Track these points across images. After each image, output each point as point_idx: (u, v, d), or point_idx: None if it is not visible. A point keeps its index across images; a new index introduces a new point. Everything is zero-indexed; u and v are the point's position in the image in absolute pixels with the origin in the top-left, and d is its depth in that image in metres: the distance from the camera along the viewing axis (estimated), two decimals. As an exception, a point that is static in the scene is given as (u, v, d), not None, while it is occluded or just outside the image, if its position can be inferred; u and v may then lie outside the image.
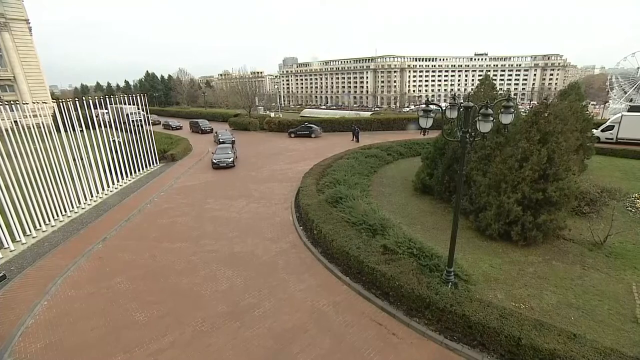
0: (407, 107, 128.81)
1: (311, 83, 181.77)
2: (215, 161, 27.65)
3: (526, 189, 13.57)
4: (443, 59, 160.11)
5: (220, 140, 37.31)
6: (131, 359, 8.72)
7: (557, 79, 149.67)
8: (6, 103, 17.50)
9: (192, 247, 14.64)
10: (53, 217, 17.39)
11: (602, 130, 33.18)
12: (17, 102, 19.11)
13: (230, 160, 27.78)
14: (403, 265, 10.59)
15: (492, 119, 8.36)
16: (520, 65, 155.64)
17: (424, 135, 9.28)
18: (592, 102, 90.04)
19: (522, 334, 7.94)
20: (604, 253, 13.03)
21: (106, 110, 24.39)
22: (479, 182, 15.58)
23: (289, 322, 9.84)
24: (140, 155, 26.53)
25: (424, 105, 9.18)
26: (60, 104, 19.97)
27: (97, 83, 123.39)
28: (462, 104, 9.15)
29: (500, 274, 11.85)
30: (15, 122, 16.62)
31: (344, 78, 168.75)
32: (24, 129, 16.51)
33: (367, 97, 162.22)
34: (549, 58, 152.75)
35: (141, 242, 15.16)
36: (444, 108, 9.64)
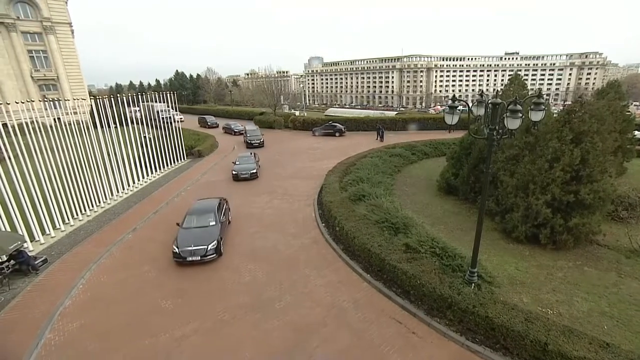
0: (433, 107, 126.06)
1: (336, 82, 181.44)
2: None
3: (556, 191, 12.98)
4: (471, 59, 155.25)
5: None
6: (157, 344, 9.11)
7: (595, 78, 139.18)
8: (51, 100, 18.65)
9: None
10: (88, 208, 18.33)
11: None
12: (59, 99, 20.11)
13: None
14: (425, 265, 10.42)
15: (520, 115, 8.06)
16: (554, 64, 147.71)
17: (450, 132, 9.05)
18: (634, 103, 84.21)
19: (549, 339, 7.63)
20: (644, 261, 12.27)
21: (138, 108, 25.33)
22: (506, 183, 15.06)
23: (308, 316, 9.94)
24: (168, 150, 27.43)
25: (450, 102, 8.99)
26: (97, 100, 20.98)
27: (130, 82, 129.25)
28: (489, 101, 8.90)
29: (526, 277, 11.42)
30: (58, 118, 17.62)
31: (369, 78, 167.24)
32: (65, 125, 17.49)
33: (392, 97, 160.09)
34: (586, 56, 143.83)
35: (168, 234, 15.64)
36: (470, 105, 9.41)
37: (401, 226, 13.08)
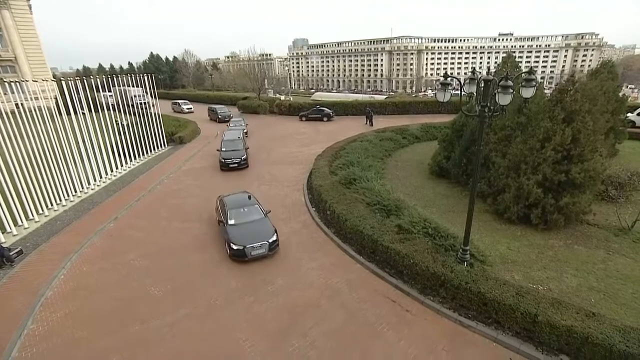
0: (424, 91, 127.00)
1: (322, 66, 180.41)
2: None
3: (547, 170, 13.60)
4: (464, 40, 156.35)
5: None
6: (148, 329, 9.35)
7: (590, 60, 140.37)
8: (9, 82, 17.74)
9: (204, 226, 15.24)
10: (64, 197, 18.14)
11: (639, 114, 32.20)
12: (18, 81, 18.94)
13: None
14: (418, 244, 10.90)
15: (512, 91, 8.47)
16: (549, 45, 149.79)
17: (442, 104, 9.38)
18: (630, 86, 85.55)
19: (539, 311, 8.21)
20: (631, 239, 13.01)
21: (110, 93, 24.72)
22: (498, 164, 15.65)
23: (302, 297, 10.34)
24: (147, 138, 27.12)
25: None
26: (62, 83, 20.08)
27: (100, 65, 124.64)
28: (481, 78, 9.27)
29: (518, 256, 12.06)
30: (22, 104, 17.05)
31: (357, 60, 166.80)
32: (29, 111, 16.92)
33: (381, 81, 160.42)
34: (582, 37, 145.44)
35: (152, 222, 15.80)
36: (463, 83, 9.76)
37: (393, 208, 13.53)
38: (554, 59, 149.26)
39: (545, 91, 25.89)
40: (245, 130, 32.42)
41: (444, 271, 9.73)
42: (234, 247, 12.15)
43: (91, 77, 23.22)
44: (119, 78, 25.74)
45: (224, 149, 24.03)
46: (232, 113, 45.11)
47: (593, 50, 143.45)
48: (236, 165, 22.89)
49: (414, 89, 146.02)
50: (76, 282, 11.68)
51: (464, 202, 16.30)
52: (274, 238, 12.61)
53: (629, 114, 26.84)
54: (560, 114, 13.77)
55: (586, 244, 12.86)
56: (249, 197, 15.02)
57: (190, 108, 51.57)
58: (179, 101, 53.77)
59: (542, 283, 10.58)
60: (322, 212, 15.57)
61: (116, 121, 24.91)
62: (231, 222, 13.27)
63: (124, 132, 24.80)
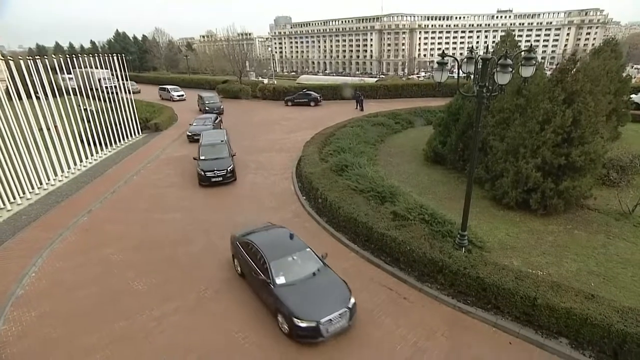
0: (417, 73, 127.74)
1: (307, 46, 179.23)
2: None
3: (547, 154, 14.13)
4: (460, 18, 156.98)
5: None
6: (133, 325, 9.54)
7: (594, 38, 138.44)
8: None
9: (187, 218, 15.38)
10: (28, 190, 17.87)
11: None
12: None
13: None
14: (414, 231, 11.32)
15: (511, 70, 8.81)
16: (550, 23, 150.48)
17: (439, 86, 9.69)
18: (635, 66, 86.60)
19: (538, 294, 8.72)
20: (632, 223, 13.70)
21: (71, 75, 24.03)
22: (495, 148, 16.16)
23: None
24: (119, 125, 26.74)
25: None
26: (9, 62, 18.41)
27: (57, 43, 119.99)
28: (479, 57, 9.59)
29: (517, 242, 12.61)
30: None
31: (344, 41, 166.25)
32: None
33: (371, 63, 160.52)
34: (586, 14, 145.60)
35: (130, 214, 15.82)
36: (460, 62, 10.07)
37: (387, 195, 13.92)
38: (556, 37, 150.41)
39: (546, 72, 26.46)
40: (219, 119, 31.32)
41: (441, 257, 10.17)
42: (302, 324, 8.60)
43: (46, 57, 22.38)
44: (82, 59, 24.64)
45: (202, 157, 19.31)
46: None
47: (597, 27, 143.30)
48: (220, 179, 18.47)
49: (406, 71, 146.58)
50: (50, 279, 11.71)
51: (460, 189, 16.78)
52: (352, 300, 9.23)
53: (632, 96, 27.42)
54: (560, 94, 14.26)
55: (586, 228, 13.48)
56: (291, 236, 11.21)
57: (182, 95, 48.21)
58: (168, 87, 50.00)
59: (541, 268, 11.13)
60: (313, 200, 15.89)
61: (84, 109, 24.38)
62: (281, 280, 9.53)
63: (92, 119, 24.35)
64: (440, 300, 9.95)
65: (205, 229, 14.31)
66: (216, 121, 30.00)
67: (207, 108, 36.73)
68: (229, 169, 18.71)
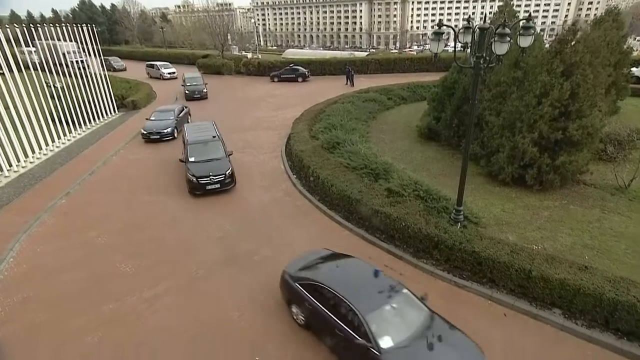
0: (409, 47, 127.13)
1: (292, 18, 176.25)
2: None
3: (544, 128, 14.57)
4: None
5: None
6: (123, 307, 9.80)
7: (597, 8, 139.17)
8: None
9: (174, 198, 15.61)
10: (-5, 173, 17.68)
11: None
12: None
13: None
14: (409, 207, 11.74)
15: (509, 39, 9.07)
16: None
17: (435, 57, 9.91)
18: (638, 38, 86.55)
19: (533, 267, 9.24)
20: (628, 197, 14.35)
21: (33, 49, 23.20)
22: (492, 123, 16.54)
23: (290, 266, 11.01)
24: (92, 103, 26.29)
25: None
26: None
27: (12, 12, 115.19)
28: (477, 26, 9.81)
29: (512, 218, 13.14)
30: None
31: (332, 12, 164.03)
32: None
33: (360, 36, 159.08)
34: None
35: (113, 196, 15.90)
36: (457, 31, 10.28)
37: (381, 172, 14.29)
38: (556, 7, 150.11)
39: (545, 44, 26.64)
40: (186, 110, 26.56)
41: (437, 232, 10.61)
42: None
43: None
44: (45, 29, 23.63)
45: (192, 159, 16.16)
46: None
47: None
48: (217, 186, 15.49)
49: (397, 44, 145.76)
50: (30, 264, 11.82)
51: (455, 166, 17.25)
52: None
53: (633, 69, 27.78)
54: (559, 66, 14.59)
55: (582, 203, 14.09)
56: (376, 273, 8.73)
57: (173, 73, 45.56)
58: (157, 63, 47.43)
59: (536, 242, 11.68)
60: (304, 178, 16.20)
61: (47, 83, 23.73)
62: (386, 342, 7.16)
63: (60, 97, 23.79)
64: (436, 276, 10.44)
65: (191, 210, 14.48)
66: (182, 114, 25.20)
67: (186, 91, 33.68)
68: (227, 172, 15.71)
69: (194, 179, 15.22)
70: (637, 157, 15.45)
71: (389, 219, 11.65)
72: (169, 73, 45.51)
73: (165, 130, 22.75)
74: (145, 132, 22.78)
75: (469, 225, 11.54)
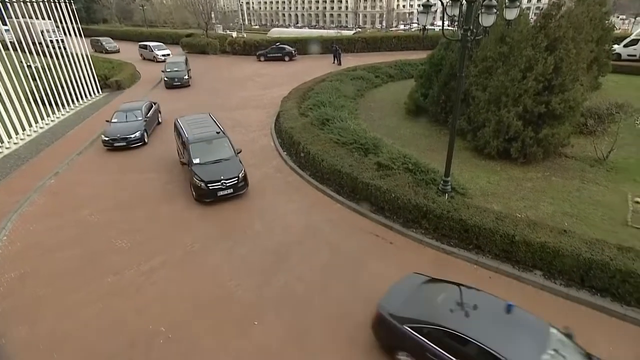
0: (396, 26, 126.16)
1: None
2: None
3: (528, 102, 15.04)
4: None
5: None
6: (122, 280, 10.09)
7: None
8: None
9: (164, 176, 15.77)
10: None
11: (625, 46, 33.54)
12: None
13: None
14: (399, 179, 12.17)
15: (495, 11, 9.35)
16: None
17: (424, 31, 10.17)
18: (621, 16, 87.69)
19: (517, 232, 9.78)
20: (606, 168, 15.04)
21: (7, 27, 22.46)
22: (478, 98, 16.95)
23: (284, 238, 11.50)
24: (74, 83, 25.88)
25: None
26: None
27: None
28: (464, -1, 10.07)
29: (497, 189, 13.71)
30: None
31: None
32: None
33: (346, 15, 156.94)
34: None
35: (102, 175, 15.99)
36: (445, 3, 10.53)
37: (371, 147, 14.67)
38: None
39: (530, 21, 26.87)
40: (154, 107, 22.40)
41: (425, 202, 11.08)
42: None
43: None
44: (18, 6, 22.81)
45: (197, 161, 13.95)
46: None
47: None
48: (231, 191, 13.51)
49: (384, 23, 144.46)
50: (24, 242, 11.96)
51: (442, 141, 17.69)
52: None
53: (614, 46, 28.34)
54: (543, 41, 15.00)
55: (563, 175, 14.72)
56: (509, 308, 6.87)
57: (168, 54, 42.39)
58: (150, 44, 45.02)
59: (520, 211, 12.25)
60: (295, 155, 16.50)
61: (28, 65, 23.29)
62: None
63: (38, 77, 23.34)
64: (425, 244, 10.95)
65: (184, 186, 14.68)
66: (151, 112, 21.21)
67: (165, 78, 30.28)
68: (240, 175, 13.59)
69: (203, 185, 13.10)
70: (616, 130, 16.08)
71: (379, 192, 12.06)
72: (163, 55, 42.83)
73: (132, 135, 18.72)
74: (107, 139, 18.60)
75: (456, 196, 12.05)
